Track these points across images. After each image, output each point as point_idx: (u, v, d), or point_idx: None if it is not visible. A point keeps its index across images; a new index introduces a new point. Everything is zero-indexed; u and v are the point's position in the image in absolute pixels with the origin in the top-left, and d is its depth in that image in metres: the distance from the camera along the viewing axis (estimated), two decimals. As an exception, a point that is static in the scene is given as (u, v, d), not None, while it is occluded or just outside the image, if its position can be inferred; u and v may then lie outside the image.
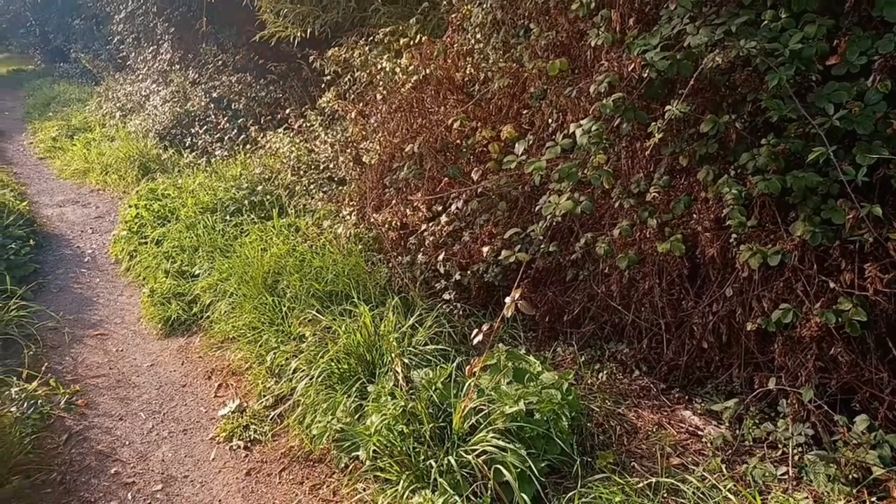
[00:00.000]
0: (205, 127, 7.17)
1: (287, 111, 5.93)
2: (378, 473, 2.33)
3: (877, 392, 2.02)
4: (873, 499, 1.85)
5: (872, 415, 1.99)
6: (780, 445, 2.12)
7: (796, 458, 2.05)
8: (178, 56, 8.86)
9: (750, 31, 2.22)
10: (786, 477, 2.01)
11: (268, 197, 5.04)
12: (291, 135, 5.50)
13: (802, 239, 2.08)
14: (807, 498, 1.88)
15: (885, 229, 1.98)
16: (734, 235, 2.27)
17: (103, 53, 12.73)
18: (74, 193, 7.02)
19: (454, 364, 2.65)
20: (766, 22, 2.24)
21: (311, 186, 4.79)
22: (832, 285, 2.07)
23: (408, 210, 3.60)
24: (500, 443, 2.15)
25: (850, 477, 1.90)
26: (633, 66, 2.50)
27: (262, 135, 5.96)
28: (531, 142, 2.98)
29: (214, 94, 7.47)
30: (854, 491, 1.88)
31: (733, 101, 2.38)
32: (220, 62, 7.98)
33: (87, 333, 3.88)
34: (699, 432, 2.33)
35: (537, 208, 2.70)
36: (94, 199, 6.81)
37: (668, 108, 2.31)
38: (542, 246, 2.83)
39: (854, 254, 2.05)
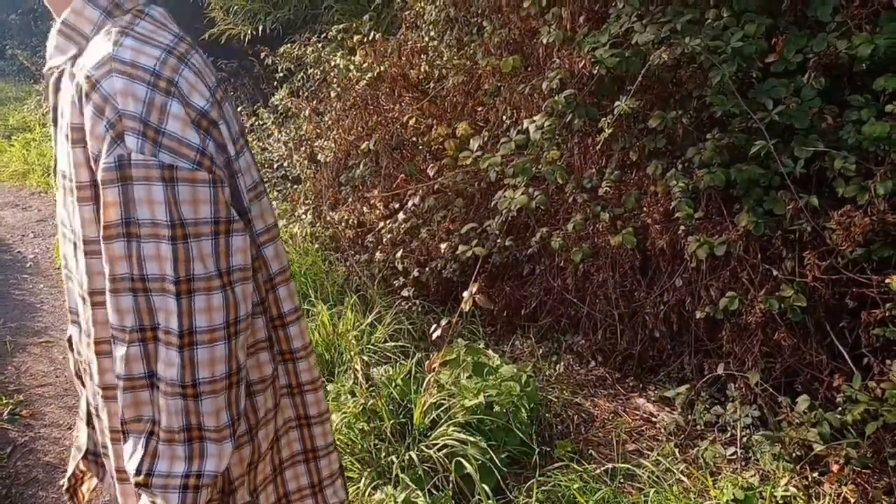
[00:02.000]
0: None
1: (238, 109, 5.80)
2: (339, 473, 2.30)
3: (817, 373, 2.12)
4: (815, 474, 1.94)
5: (813, 395, 2.08)
6: (728, 428, 2.21)
7: (744, 439, 2.13)
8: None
9: (694, 30, 2.30)
10: (735, 457, 2.09)
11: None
12: (244, 133, 5.38)
13: (747, 229, 2.17)
14: (754, 476, 1.96)
15: (822, 219, 2.08)
16: (682, 227, 2.34)
17: (42, 50, 12.17)
18: (13, 196, 6.69)
19: (414, 360, 2.65)
20: (709, 20, 2.32)
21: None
22: (775, 273, 2.16)
23: (364, 208, 3.57)
24: (461, 436, 2.16)
25: (794, 455, 1.99)
26: (583, 63, 2.55)
27: (212, 134, 5.81)
28: (486, 138, 3.01)
29: (162, 93, 7.23)
30: (797, 467, 1.97)
31: (680, 98, 2.46)
32: (167, 59, 7.74)
33: (30, 341, 3.71)
34: (653, 419, 2.40)
35: (493, 203, 2.73)
36: (35, 202, 6.51)
37: (617, 104, 2.37)
38: (499, 241, 2.86)
39: (794, 243, 2.15)
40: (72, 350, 0.98)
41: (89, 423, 0.97)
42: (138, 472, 0.79)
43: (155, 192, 0.75)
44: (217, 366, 0.79)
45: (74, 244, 0.85)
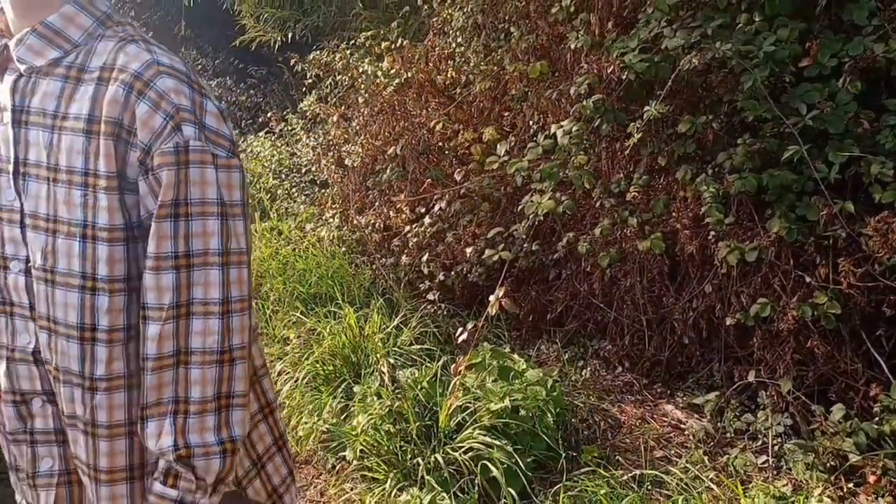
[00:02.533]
0: (184, 131, 7.10)
1: (268, 115, 5.91)
2: (365, 473, 2.32)
3: (852, 382, 2.08)
4: (850, 485, 1.90)
5: (848, 404, 2.04)
6: (759, 436, 2.17)
7: (776, 447, 2.10)
8: (156, 60, 8.76)
9: (725, 34, 2.28)
10: (766, 466, 2.06)
11: (249, 201, 5.01)
12: (273, 138, 5.48)
13: (779, 235, 2.14)
14: (786, 485, 1.92)
15: (857, 225, 2.04)
16: (712, 233, 2.32)
17: None
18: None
19: (439, 363, 2.66)
20: (740, 25, 2.30)
21: (294, 190, 4.78)
22: (808, 280, 2.13)
23: (391, 212, 3.61)
24: (487, 439, 2.16)
25: (828, 465, 1.95)
26: (612, 68, 2.55)
27: (242, 139, 5.93)
28: (513, 143, 3.02)
29: (194, 99, 7.40)
30: (832, 478, 1.93)
31: (710, 102, 2.44)
32: (199, 66, 7.92)
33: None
34: (682, 425, 2.38)
35: (520, 208, 2.73)
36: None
37: (646, 108, 2.36)
38: (525, 245, 2.86)
39: (828, 249, 2.11)
40: (38, 364, 0.89)
41: (63, 441, 0.92)
42: (176, 447, 0.83)
43: (208, 174, 0.83)
44: (245, 333, 0.87)
45: (81, 235, 0.84)
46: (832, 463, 1.94)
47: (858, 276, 1.98)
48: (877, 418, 1.91)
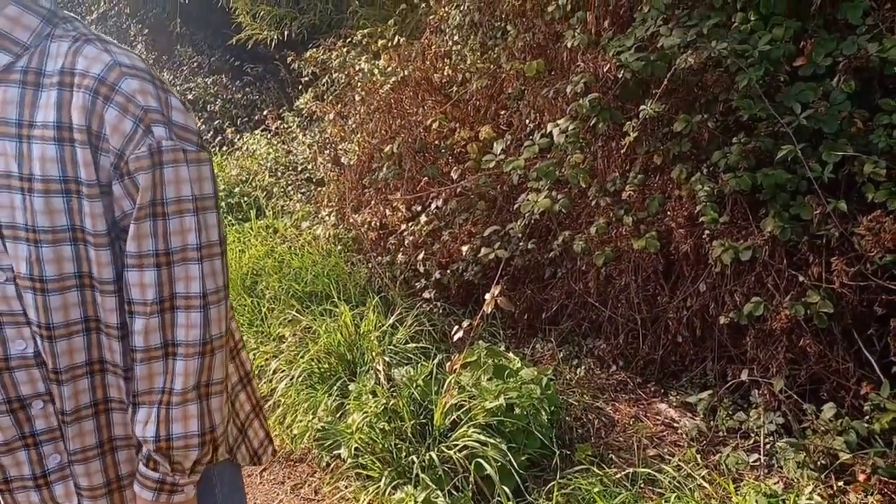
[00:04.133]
0: (180, 129, 7.08)
1: (264, 113, 5.90)
2: (360, 471, 2.33)
3: (843, 381, 2.09)
4: (840, 483, 1.91)
5: (839, 403, 2.05)
6: (752, 434, 2.18)
7: (768, 446, 2.11)
8: (153, 58, 8.74)
9: (721, 33, 2.29)
10: (758, 464, 2.07)
11: (245, 199, 5.00)
12: (269, 136, 5.47)
13: (773, 234, 2.14)
14: (777, 483, 1.94)
15: (850, 224, 2.05)
16: (707, 232, 2.33)
17: None
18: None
19: (435, 361, 2.67)
20: (736, 24, 2.30)
21: (290, 188, 4.77)
22: (801, 279, 2.14)
23: (387, 210, 3.61)
24: (481, 437, 2.17)
25: (819, 463, 1.96)
26: (608, 66, 2.55)
27: (238, 137, 5.92)
28: (509, 142, 3.02)
29: (190, 97, 7.38)
30: (822, 476, 1.94)
31: (705, 101, 2.44)
32: (195, 64, 7.90)
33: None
34: (675, 424, 2.39)
35: (516, 207, 2.74)
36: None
37: (642, 107, 2.37)
38: (521, 244, 2.86)
39: (821, 248, 2.12)
40: (40, 366, 0.88)
41: (37, 445, 0.92)
42: (157, 439, 0.88)
43: (182, 172, 0.86)
44: (222, 322, 0.90)
45: (72, 240, 0.85)
46: (823, 461, 1.95)
47: (851, 276, 1.99)
48: (867, 417, 1.92)
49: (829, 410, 2.00)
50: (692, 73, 2.34)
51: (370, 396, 2.50)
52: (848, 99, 2.08)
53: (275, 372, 2.98)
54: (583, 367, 2.77)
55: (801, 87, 2.17)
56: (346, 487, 2.35)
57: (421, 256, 3.23)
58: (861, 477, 1.84)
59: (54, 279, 0.85)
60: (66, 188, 0.83)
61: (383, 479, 2.21)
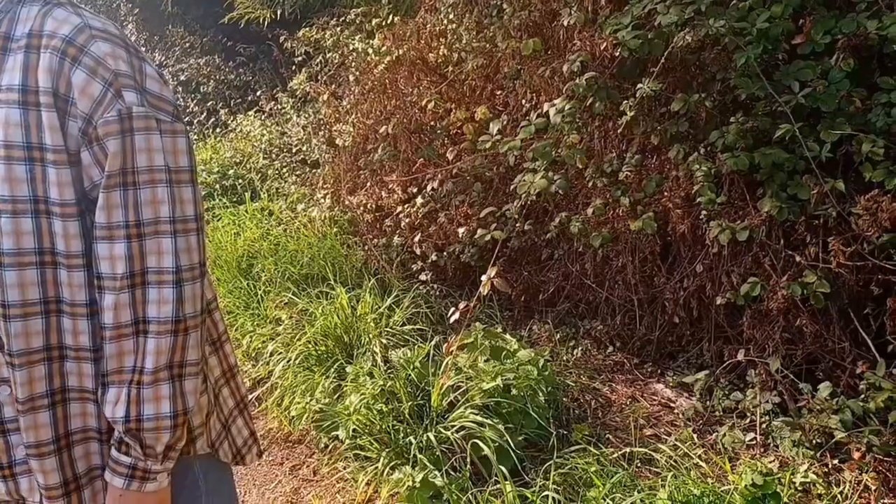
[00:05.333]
0: (173, 110, 7.01)
1: (258, 94, 5.83)
2: (358, 452, 2.34)
3: (839, 361, 2.10)
4: (835, 461, 1.93)
5: (835, 382, 2.06)
6: (748, 414, 2.20)
7: (763, 425, 2.12)
8: (144, 38, 8.61)
9: (719, 11, 2.25)
10: (754, 443, 2.09)
11: (239, 181, 4.97)
12: (262, 117, 5.42)
13: (770, 214, 2.14)
14: (773, 462, 1.95)
15: (848, 204, 2.05)
16: (704, 212, 2.32)
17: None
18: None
19: (432, 343, 2.67)
20: (734, 1, 2.27)
21: (284, 170, 4.74)
22: (798, 259, 2.13)
23: (383, 192, 3.59)
24: (479, 418, 2.18)
25: (814, 441, 1.98)
26: (605, 45, 2.52)
27: (232, 118, 5.86)
28: (505, 122, 2.99)
29: (182, 77, 7.30)
30: (818, 454, 1.96)
31: (703, 80, 2.42)
32: (187, 44, 7.78)
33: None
34: (671, 404, 2.40)
35: (512, 188, 2.72)
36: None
37: (639, 86, 2.34)
38: (518, 225, 2.85)
39: (819, 228, 2.12)
40: (2, 350, 0.85)
41: (5, 433, 0.89)
42: (127, 420, 0.83)
43: (154, 141, 0.82)
44: (197, 301, 0.86)
45: (33, 212, 0.81)
46: (818, 440, 1.97)
47: (847, 255, 1.99)
48: (862, 396, 1.93)
49: (824, 389, 2.02)
50: (690, 51, 2.32)
51: (367, 378, 2.51)
52: (846, 77, 2.06)
53: (272, 354, 2.98)
54: (580, 348, 2.78)
55: (799, 65, 2.15)
56: (345, 468, 2.36)
57: (417, 238, 3.22)
58: (856, 455, 1.85)
59: (11, 253, 0.80)
60: (30, 155, 0.80)
61: (381, 459, 2.23)
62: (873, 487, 1.78)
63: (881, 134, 1.99)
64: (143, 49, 8.48)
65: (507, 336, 2.69)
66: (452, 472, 2.12)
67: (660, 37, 2.34)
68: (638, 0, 2.48)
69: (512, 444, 2.10)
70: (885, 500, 1.77)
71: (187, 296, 0.84)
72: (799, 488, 1.86)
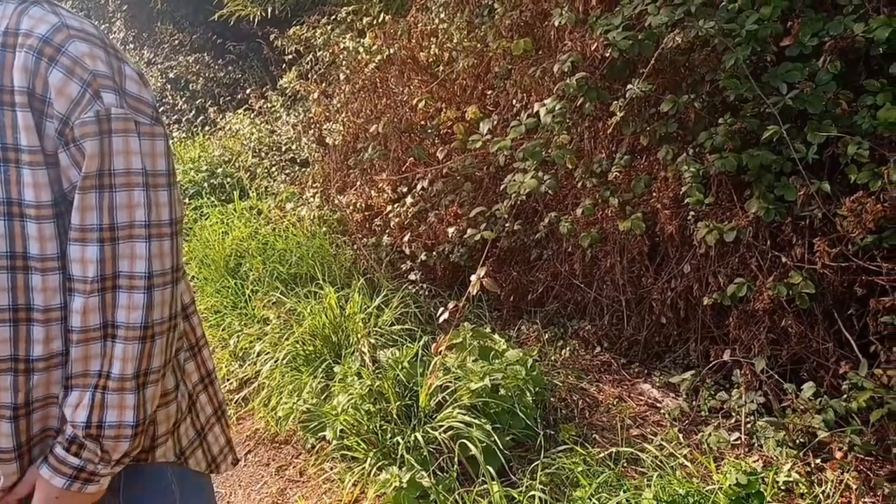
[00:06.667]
0: (161, 108, 6.95)
1: (247, 92, 5.80)
2: (345, 452, 2.33)
3: (823, 361, 2.11)
4: (818, 460, 1.94)
5: (819, 382, 2.08)
6: (733, 414, 2.21)
7: (748, 425, 2.13)
8: (132, 35, 8.54)
9: (708, 12, 2.26)
10: (738, 443, 2.10)
11: (228, 179, 4.94)
12: (252, 116, 5.39)
13: (757, 215, 2.15)
14: (757, 461, 1.96)
15: (834, 205, 2.06)
16: (692, 213, 2.33)
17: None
18: None
19: (420, 343, 2.66)
20: (723, 3, 2.28)
21: (273, 168, 4.71)
22: (784, 260, 2.15)
23: (373, 191, 3.58)
24: (466, 418, 2.17)
25: (798, 441, 1.99)
26: (595, 45, 2.52)
27: (221, 116, 5.82)
28: (496, 122, 2.99)
29: (171, 75, 7.24)
30: (801, 454, 1.97)
31: (692, 82, 2.43)
32: (176, 41, 7.73)
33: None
34: (658, 404, 2.41)
35: (502, 188, 2.72)
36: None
37: (629, 87, 2.35)
38: (507, 225, 2.85)
39: (805, 229, 2.13)
40: None
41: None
42: (88, 425, 0.82)
43: (132, 143, 0.81)
44: (166, 307, 0.85)
45: (6, 214, 0.81)
46: (801, 439, 1.98)
47: (832, 256, 2.00)
48: (845, 395, 1.95)
49: (808, 389, 2.03)
50: (679, 52, 2.32)
51: (355, 378, 2.50)
52: (833, 80, 2.07)
53: (259, 354, 2.96)
54: (568, 349, 2.78)
55: (787, 66, 2.16)
56: (332, 469, 2.35)
57: (407, 238, 3.21)
58: (838, 454, 1.87)
59: None
60: (4, 157, 0.79)
61: (368, 459, 2.22)
62: (854, 486, 1.80)
63: (866, 136, 2.01)
64: (132, 46, 8.41)
65: (496, 336, 2.68)
66: (440, 473, 2.12)
67: (650, 38, 2.35)
68: (629, 1, 2.49)
69: (499, 445, 2.09)
70: (866, 499, 1.78)
71: (157, 301, 0.83)
72: (782, 487, 1.87)
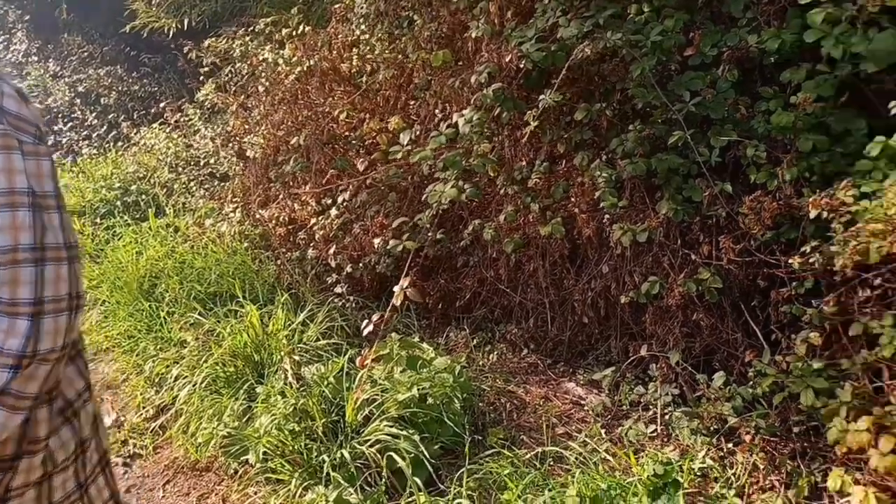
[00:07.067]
0: (69, 124, 6.56)
1: (163, 105, 5.56)
2: (269, 475, 2.23)
3: (732, 351, 2.22)
4: (729, 445, 2.04)
5: (729, 371, 2.18)
6: (651, 406, 2.28)
7: (665, 416, 2.21)
8: (36, 47, 8.03)
9: (616, 24, 2.36)
10: (656, 434, 2.17)
11: (143, 196, 4.70)
12: (168, 130, 5.17)
13: (667, 216, 2.24)
14: (674, 451, 2.03)
15: (736, 204, 2.18)
16: (608, 216, 2.40)
17: None
18: None
19: (346, 357, 2.60)
20: (630, 15, 2.39)
21: (191, 183, 4.52)
22: (693, 257, 2.25)
23: (295, 204, 3.49)
24: (394, 430, 2.13)
25: (711, 428, 2.08)
26: (511, 57, 2.58)
27: (135, 131, 5.55)
28: (418, 132, 2.99)
29: (80, 89, 6.85)
30: (713, 440, 2.06)
31: (604, 91, 2.52)
32: (85, 53, 7.33)
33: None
34: (582, 401, 2.46)
35: (424, 197, 2.72)
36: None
37: (541, 97, 2.41)
38: (431, 234, 2.85)
39: (711, 227, 2.24)
40: None
41: None
42: None
43: (15, 161, 0.75)
44: (60, 336, 0.79)
45: None
46: (714, 427, 2.07)
47: (737, 252, 2.11)
48: (751, 382, 2.05)
49: (719, 379, 2.12)
50: (590, 62, 2.41)
51: (279, 398, 2.41)
52: (732, 87, 2.21)
53: (176, 379, 2.81)
54: (495, 353, 2.80)
55: (690, 75, 2.28)
56: (256, 493, 2.25)
57: (332, 250, 3.14)
58: (747, 438, 1.96)
59: None
60: None
61: (293, 481, 2.13)
62: (762, 466, 1.89)
63: (763, 139, 2.14)
64: (35, 59, 7.90)
65: (424, 345, 2.66)
66: (367, 488, 2.06)
67: (562, 49, 2.43)
68: (542, 13, 2.56)
69: (427, 454, 2.07)
70: (772, 477, 1.87)
71: (46, 329, 0.77)
72: (698, 474, 1.94)
